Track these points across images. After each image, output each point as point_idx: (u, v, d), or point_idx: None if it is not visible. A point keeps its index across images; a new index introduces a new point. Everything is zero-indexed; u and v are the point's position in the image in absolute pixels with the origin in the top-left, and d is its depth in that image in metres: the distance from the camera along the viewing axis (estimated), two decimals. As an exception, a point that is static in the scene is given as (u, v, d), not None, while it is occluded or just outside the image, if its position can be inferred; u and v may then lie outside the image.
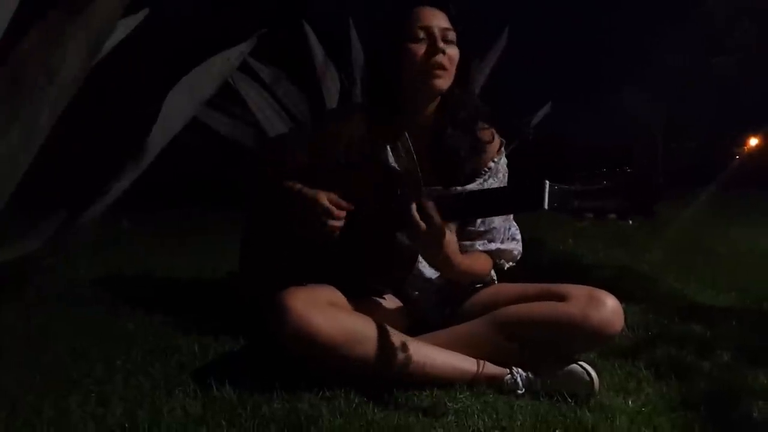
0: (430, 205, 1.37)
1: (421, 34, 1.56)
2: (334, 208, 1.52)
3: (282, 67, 4.15)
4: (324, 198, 1.52)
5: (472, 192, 1.58)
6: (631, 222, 1.25)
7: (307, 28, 4.04)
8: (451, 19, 1.59)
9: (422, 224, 1.37)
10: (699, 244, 3.26)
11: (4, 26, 1.44)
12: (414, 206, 1.38)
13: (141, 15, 1.72)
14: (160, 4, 1.83)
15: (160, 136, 1.56)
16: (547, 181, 1.24)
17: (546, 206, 1.24)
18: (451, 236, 1.45)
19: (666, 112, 5.85)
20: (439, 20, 1.57)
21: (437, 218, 1.37)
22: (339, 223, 1.51)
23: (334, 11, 4.35)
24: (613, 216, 1.25)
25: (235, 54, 1.75)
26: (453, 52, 1.57)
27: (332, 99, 4.10)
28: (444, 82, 1.57)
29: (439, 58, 1.55)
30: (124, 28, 1.65)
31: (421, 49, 1.55)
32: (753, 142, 6.47)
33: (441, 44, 1.55)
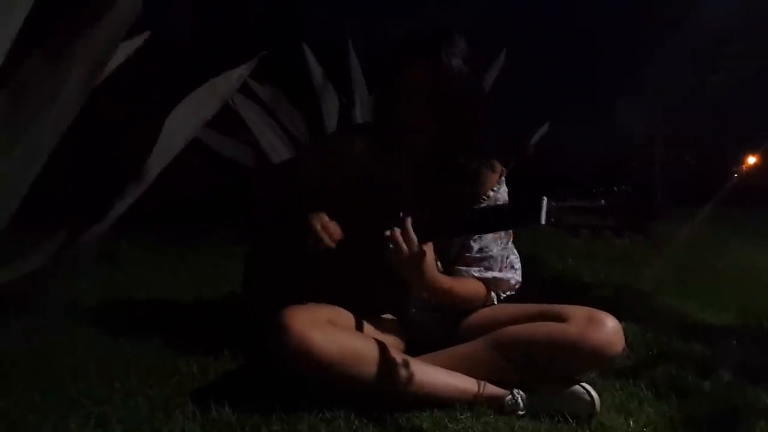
0: (406, 230, 1.41)
1: (404, 90, 1.53)
2: (324, 235, 1.53)
3: (281, 88, 4.17)
4: (316, 222, 1.54)
5: (470, 210, 1.59)
6: (628, 241, 1.27)
7: (306, 50, 4.07)
8: (445, 68, 1.50)
9: (399, 247, 1.40)
10: (698, 262, 3.25)
11: (6, 48, 1.46)
12: (391, 230, 1.42)
13: (142, 37, 1.73)
14: (161, 26, 1.84)
15: (161, 156, 1.57)
16: (545, 198, 1.27)
17: (543, 221, 1.28)
18: (430, 260, 1.47)
19: (664, 130, 5.88)
20: (423, 74, 1.51)
21: (414, 242, 1.40)
22: (327, 245, 1.52)
23: (333, 32, 4.38)
24: (609, 233, 1.27)
25: (235, 75, 1.77)
26: (437, 106, 1.52)
27: (331, 119, 4.12)
28: (420, 137, 1.55)
29: (414, 119, 1.53)
30: (125, 50, 1.66)
31: (400, 103, 1.54)
32: (751, 160, 6.49)
33: (418, 104, 1.52)
